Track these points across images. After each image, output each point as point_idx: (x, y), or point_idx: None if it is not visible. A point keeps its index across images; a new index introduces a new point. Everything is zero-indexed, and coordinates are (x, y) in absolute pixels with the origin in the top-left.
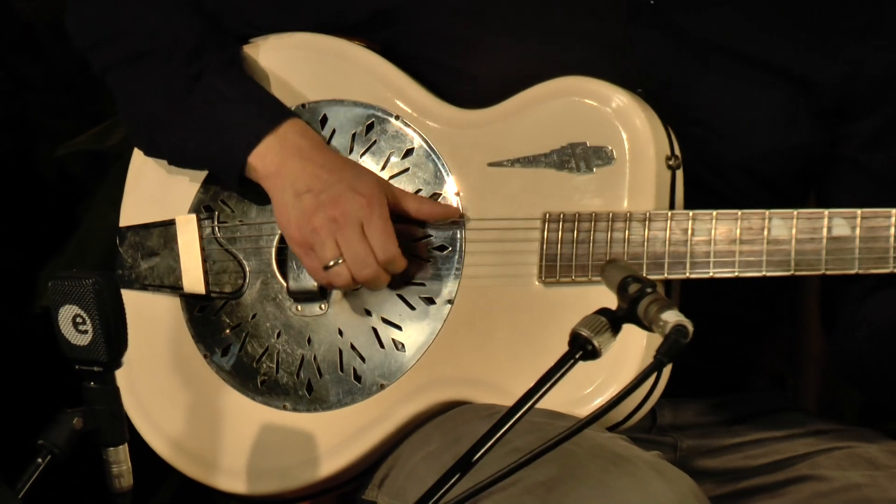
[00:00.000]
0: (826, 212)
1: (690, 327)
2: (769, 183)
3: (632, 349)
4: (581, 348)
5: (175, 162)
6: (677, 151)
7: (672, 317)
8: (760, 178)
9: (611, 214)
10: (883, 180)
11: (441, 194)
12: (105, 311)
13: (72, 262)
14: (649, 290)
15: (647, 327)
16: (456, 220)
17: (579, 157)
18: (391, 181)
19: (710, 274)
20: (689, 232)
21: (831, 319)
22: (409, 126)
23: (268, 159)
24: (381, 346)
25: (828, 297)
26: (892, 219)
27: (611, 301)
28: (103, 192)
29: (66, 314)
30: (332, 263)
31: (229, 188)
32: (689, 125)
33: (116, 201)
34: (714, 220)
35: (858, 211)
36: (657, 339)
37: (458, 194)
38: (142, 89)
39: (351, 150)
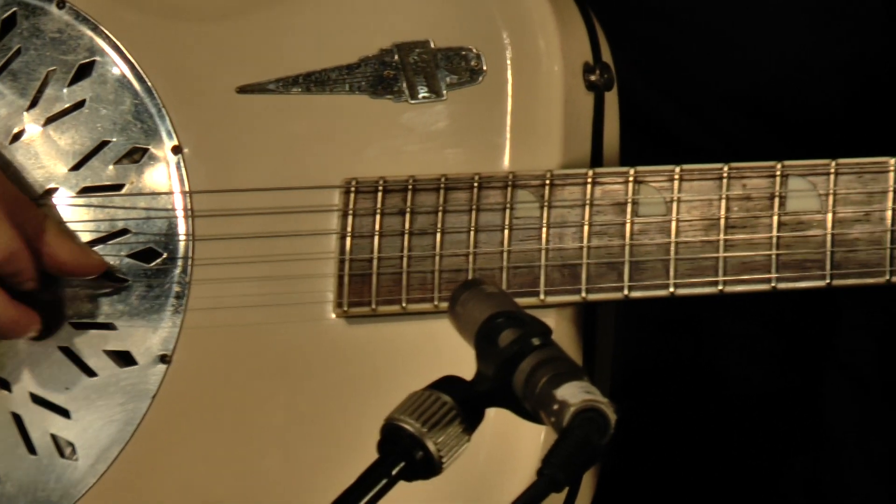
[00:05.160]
0: None
1: (612, 414)
2: (778, 127)
3: (523, 447)
4: (404, 455)
5: None
6: (607, 57)
7: (575, 394)
8: (768, 118)
9: (477, 179)
10: None
11: (148, 151)
12: None
13: None
14: (536, 340)
15: (530, 415)
16: (173, 196)
17: (415, 71)
18: (50, 127)
19: (671, 290)
20: (629, 208)
21: None
22: (86, 19)
23: None
24: (31, 450)
25: None
26: None
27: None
28: None
29: None
30: None
31: None
32: (640, 21)
33: None
34: (676, 182)
35: None
36: None
37: (177, 150)
38: None
39: None
